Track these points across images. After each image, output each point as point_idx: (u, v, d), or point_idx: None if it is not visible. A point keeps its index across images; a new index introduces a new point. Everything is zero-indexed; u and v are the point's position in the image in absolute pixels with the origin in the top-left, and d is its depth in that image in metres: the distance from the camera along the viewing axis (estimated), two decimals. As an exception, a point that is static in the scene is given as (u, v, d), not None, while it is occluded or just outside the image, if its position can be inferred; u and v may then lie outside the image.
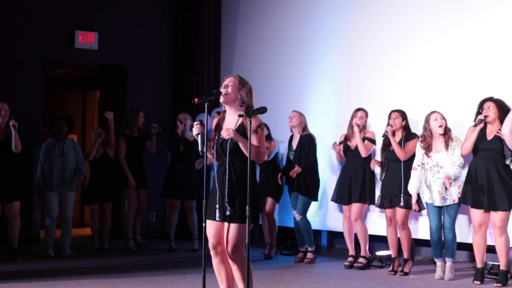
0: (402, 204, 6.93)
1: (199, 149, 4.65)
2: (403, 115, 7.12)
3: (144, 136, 8.83)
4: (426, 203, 6.78)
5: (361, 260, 7.38)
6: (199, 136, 4.64)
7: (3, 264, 7.40)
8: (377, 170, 7.29)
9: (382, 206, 7.16)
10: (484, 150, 6.33)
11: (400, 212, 6.99)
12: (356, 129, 7.36)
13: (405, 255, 7.02)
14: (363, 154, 7.40)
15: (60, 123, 8.20)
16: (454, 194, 6.61)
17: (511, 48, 6.92)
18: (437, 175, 6.67)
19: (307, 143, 7.77)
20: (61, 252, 8.10)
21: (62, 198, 8.16)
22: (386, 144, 7.13)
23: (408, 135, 7.07)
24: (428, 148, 6.72)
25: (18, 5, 9.31)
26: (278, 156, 8.31)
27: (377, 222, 7.65)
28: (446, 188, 6.61)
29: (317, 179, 7.85)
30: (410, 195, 6.87)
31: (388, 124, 7.11)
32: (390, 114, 7.14)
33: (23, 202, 8.82)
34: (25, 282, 6.39)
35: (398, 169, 7.00)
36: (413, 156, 6.91)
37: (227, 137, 4.60)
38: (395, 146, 6.99)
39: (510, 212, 6.25)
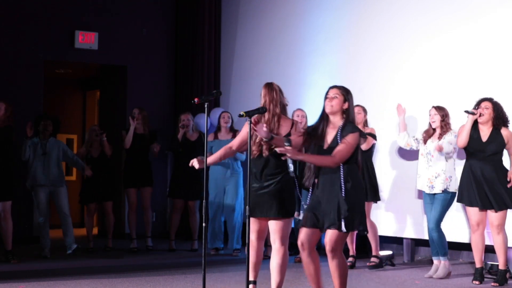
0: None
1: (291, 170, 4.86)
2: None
3: (152, 135, 8.68)
4: (419, 191, 6.90)
5: (373, 259, 7.35)
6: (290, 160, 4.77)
7: (2, 264, 7.40)
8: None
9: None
10: (480, 151, 6.34)
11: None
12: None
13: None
14: (363, 147, 7.40)
15: (46, 123, 8.16)
16: (441, 184, 6.63)
17: (511, 48, 6.92)
18: (429, 163, 6.74)
19: None
20: (68, 250, 8.05)
21: (53, 196, 8.14)
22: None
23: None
24: (428, 137, 6.81)
25: (18, 5, 9.31)
26: None
27: (377, 222, 7.64)
28: (435, 177, 6.65)
29: None
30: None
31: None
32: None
33: (24, 202, 8.82)
34: (24, 282, 6.39)
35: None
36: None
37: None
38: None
39: (507, 211, 6.29)
